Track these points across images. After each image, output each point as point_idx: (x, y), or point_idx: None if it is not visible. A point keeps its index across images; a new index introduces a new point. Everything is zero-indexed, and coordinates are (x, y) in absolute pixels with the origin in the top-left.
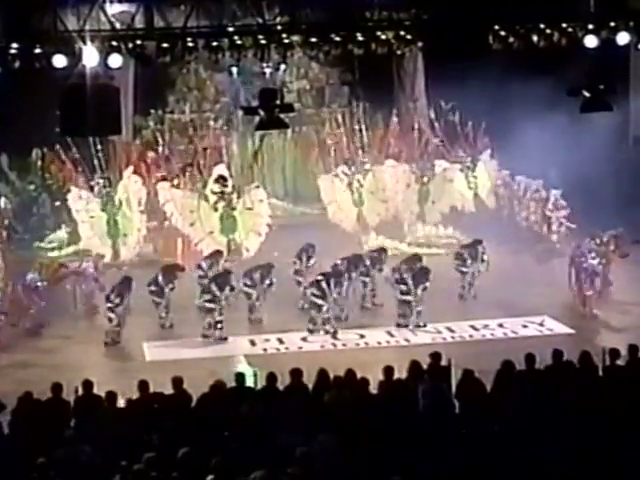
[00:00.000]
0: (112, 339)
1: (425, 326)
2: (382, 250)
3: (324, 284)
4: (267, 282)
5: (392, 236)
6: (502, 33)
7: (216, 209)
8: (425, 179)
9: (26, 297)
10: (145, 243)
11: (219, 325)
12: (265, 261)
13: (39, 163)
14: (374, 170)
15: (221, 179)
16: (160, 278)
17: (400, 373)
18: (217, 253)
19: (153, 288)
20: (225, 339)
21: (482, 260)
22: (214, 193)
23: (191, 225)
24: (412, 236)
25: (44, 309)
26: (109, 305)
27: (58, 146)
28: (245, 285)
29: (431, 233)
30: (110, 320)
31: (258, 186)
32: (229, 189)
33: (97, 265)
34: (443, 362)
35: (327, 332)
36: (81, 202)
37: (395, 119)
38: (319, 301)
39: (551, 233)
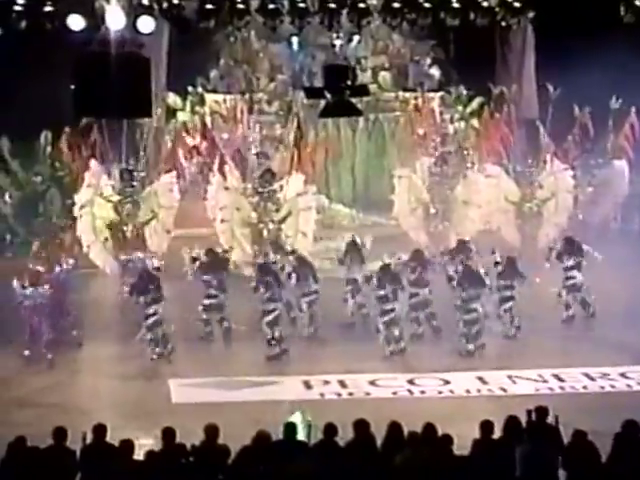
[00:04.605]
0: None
1: None
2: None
3: None
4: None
5: None
6: (637, 2)
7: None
8: (536, 190)
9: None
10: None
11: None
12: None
13: (48, 149)
14: (468, 173)
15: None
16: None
17: (493, 431)
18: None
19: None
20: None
21: None
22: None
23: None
24: None
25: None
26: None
27: (72, 129)
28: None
29: None
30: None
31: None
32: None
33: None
34: (549, 419)
35: None
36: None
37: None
38: None
39: None
